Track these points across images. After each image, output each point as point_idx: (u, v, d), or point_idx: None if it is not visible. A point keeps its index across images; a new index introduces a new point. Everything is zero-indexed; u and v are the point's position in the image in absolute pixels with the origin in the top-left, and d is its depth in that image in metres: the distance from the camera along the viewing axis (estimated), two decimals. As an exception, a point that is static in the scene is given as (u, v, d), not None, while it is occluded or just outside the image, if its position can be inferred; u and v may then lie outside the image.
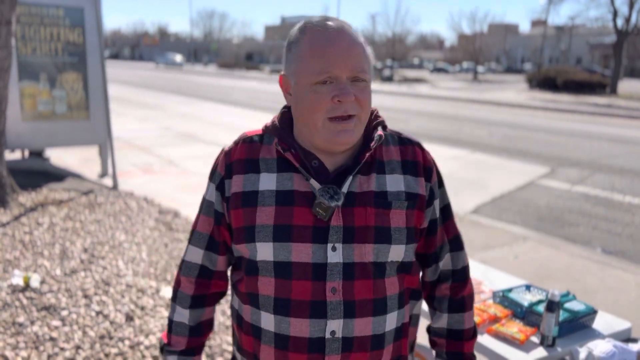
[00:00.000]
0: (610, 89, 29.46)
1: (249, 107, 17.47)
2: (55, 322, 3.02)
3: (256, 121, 13.67)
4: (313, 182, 1.09)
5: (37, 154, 7.32)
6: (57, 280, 3.53)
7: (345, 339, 1.09)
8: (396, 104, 21.01)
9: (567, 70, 33.08)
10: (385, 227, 1.11)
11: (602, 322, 2.03)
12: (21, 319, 3.02)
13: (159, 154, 8.75)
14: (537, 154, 10.27)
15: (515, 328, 1.89)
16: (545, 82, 31.47)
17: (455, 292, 1.28)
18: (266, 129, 1.19)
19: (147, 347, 2.88)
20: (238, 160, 1.16)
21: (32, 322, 3.00)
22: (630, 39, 32.35)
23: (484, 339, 1.87)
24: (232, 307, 1.26)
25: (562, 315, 1.94)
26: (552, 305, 1.80)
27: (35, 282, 3.41)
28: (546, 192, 7.33)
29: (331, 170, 1.12)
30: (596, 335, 1.93)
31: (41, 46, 6.06)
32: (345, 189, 1.09)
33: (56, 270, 3.67)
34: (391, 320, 1.15)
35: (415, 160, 1.18)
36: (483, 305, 2.06)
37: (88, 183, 6.30)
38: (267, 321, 1.12)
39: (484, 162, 9.13)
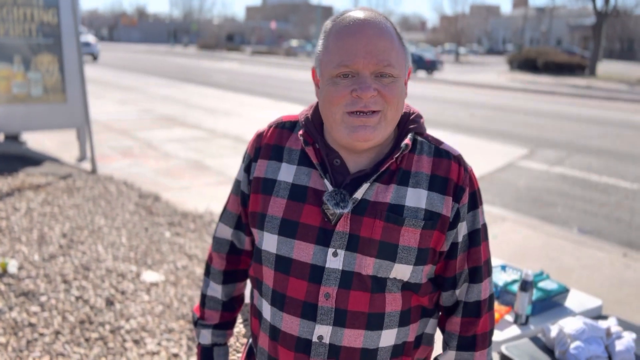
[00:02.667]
0: (589, 71, 29.81)
1: (230, 89, 17.30)
2: (34, 308, 3.00)
3: (237, 104, 13.57)
4: (326, 182, 1.06)
5: (13, 138, 7.18)
6: (35, 265, 3.50)
7: (332, 346, 1.07)
8: (378, 86, 20.96)
9: (548, 51, 33.35)
10: (392, 244, 1.04)
11: (574, 300, 2.09)
12: (-1, 305, 3.00)
13: (138, 137, 8.65)
14: (517, 135, 10.39)
15: (490, 307, 1.93)
16: (526, 63, 31.71)
17: (466, 329, 1.14)
18: (300, 116, 1.16)
19: (127, 331, 2.88)
20: (267, 144, 1.16)
21: (11, 308, 2.98)
22: (609, 20, 32.64)
23: (459, 319, 1.90)
24: (251, 288, 1.28)
25: (536, 294, 1.98)
26: (526, 285, 1.84)
27: (12, 267, 3.37)
28: (525, 173, 7.44)
29: (352, 172, 1.07)
30: (568, 313, 1.99)
31: (14, 27, 5.90)
32: (359, 195, 1.04)
33: (34, 256, 3.64)
34: (388, 337, 1.08)
35: (447, 177, 1.08)
36: (459, 285, 2.10)
37: (66, 167, 6.22)
38: (266, 310, 1.13)
39: (465, 144, 9.20)
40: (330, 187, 1.05)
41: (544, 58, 30.87)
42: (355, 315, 1.05)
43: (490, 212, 5.58)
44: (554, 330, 1.74)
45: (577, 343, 1.66)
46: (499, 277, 2.12)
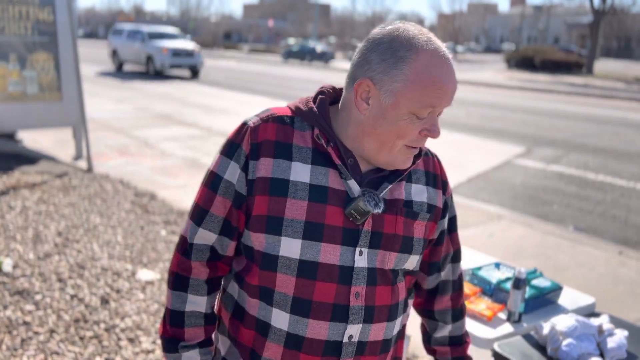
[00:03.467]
0: (587, 69, 29.84)
1: (227, 87, 17.28)
2: (29, 307, 3.00)
3: (235, 102, 13.55)
4: (352, 183, 1.05)
5: (9, 136, 7.16)
6: (30, 264, 3.49)
7: (360, 343, 1.09)
8: (376, 84, 20.95)
9: (545, 49, 33.41)
10: (410, 237, 1.11)
11: (567, 298, 2.09)
12: (-6, 303, 2.99)
13: (135, 136, 8.64)
14: (514, 133, 10.40)
15: (483, 305, 1.94)
16: (523, 61, 31.74)
17: (456, 302, 1.31)
18: (299, 112, 1.09)
19: (122, 330, 2.88)
20: (267, 140, 1.06)
21: (5, 307, 2.97)
22: (606, 18, 32.67)
23: (452, 316, 1.91)
24: (226, 295, 1.18)
25: (529, 292, 1.99)
26: (519, 283, 1.85)
27: (7, 266, 3.37)
28: (522, 171, 7.45)
29: (363, 170, 1.09)
30: (561, 310, 1.99)
31: (10, 25, 5.88)
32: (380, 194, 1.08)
33: (29, 254, 3.63)
34: (398, 324, 1.16)
35: (436, 173, 1.19)
36: (453, 283, 2.10)
37: (62, 165, 6.20)
38: (280, 319, 1.07)
39: (462, 142, 9.21)
40: (356, 187, 1.05)
41: (541, 56, 30.89)
42: (381, 310, 1.10)
43: (486, 210, 5.59)
44: (546, 328, 1.74)
45: (569, 340, 1.67)
46: (493, 275, 2.13)
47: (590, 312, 2.04)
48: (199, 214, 1.12)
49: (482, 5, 76.12)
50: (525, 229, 5.09)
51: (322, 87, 1.15)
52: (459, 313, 1.32)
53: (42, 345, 2.68)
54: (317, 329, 1.05)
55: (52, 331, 2.80)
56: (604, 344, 1.69)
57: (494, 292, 2.02)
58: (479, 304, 1.94)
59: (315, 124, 1.07)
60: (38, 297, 3.10)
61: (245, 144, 1.07)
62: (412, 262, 1.14)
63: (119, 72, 20.42)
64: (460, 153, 8.33)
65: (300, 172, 1.05)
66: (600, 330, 1.73)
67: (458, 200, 5.87)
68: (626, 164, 8.09)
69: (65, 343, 2.72)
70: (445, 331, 1.32)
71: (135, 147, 7.80)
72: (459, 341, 1.33)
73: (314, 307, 1.05)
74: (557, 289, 2.05)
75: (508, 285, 2.01)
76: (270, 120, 1.08)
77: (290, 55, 37.96)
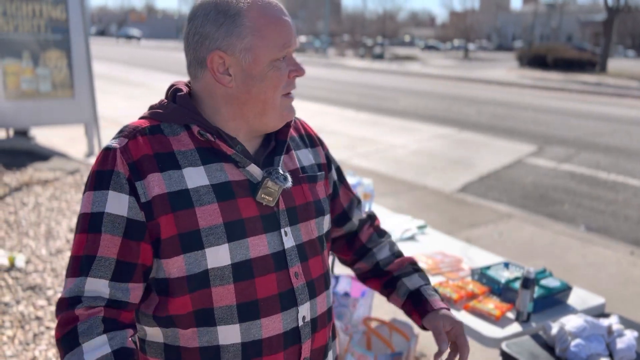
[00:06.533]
0: (600, 67, 29.54)
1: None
2: (41, 302, 3.04)
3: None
4: (253, 167, 1.02)
5: (22, 133, 7.24)
6: (42, 260, 3.54)
7: (312, 321, 1.09)
8: (386, 82, 20.94)
9: (558, 48, 33.13)
10: (318, 200, 1.14)
11: (577, 298, 2.08)
12: (6, 298, 3.03)
13: (146, 133, 8.69)
14: (525, 132, 10.32)
15: (491, 304, 1.93)
16: (536, 60, 31.48)
17: (375, 227, 1.36)
18: (162, 117, 1.03)
19: (132, 326, 2.91)
20: (146, 155, 0.97)
21: (18, 302, 3.01)
22: (620, 16, 32.31)
23: (460, 316, 1.91)
24: (148, 344, 1.05)
25: (538, 292, 1.98)
26: (527, 282, 1.84)
27: (20, 262, 3.41)
28: (533, 170, 7.40)
29: (252, 154, 1.06)
30: (570, 310, 1.98)
31: (23, 23, 5.94)
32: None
33: (41, 250, 3.68)
34: (330, 288, 1.18)
35: (308, 133, 1.22)
36: (461, 282, 2.10)
37: (74, 162, 6.26)
38: (230, 335, 1.00)
39: (472, 141, 9.16)
40: (257, 171, 1.03)
41: (553, 54, 30.64)
42: (319, 281, 1.11)
43: (496, 209, 5.56)
44: (555, 328, 1.74)
45: (577, 340, 1.66)
46: (501, 274, 2.12)
47: (599, 312, 2.03)
48: (84, 264, 0.95)
49: (494, 2, 75.56)
50: (536, 228, 5.05)
51: (175, 85, 1.11)
52: (382, 231, 1.36)
53: (53, 340, 2.72)
54: (272, 325, 1.02)
55: (63, 326, 2.84)
56: (613, 345, 1.69)
57: (503, 291, 2.02)
58: (488, 303, 1.94)
59: (191, 122, 1.01)
60: (50, 292, 3.14)
61: (121, 167, 0.96)
62: (327, 222, 1.18)
63: None
64: (471, 151, 8.30)
65: (196, 177, 0.98)
66: (609, 330, 1.73)
67: (468, 199, 5.85)
68: (639, 163, 8.01)
69: (77, 338, 2.76)
70: (385, 249, 1.32)
71: (146, 145, 7.84)
72: (401, 253, 1.34)
73: (262, 304, 1.01)
74: (566, 289, 2.04)
75: (517, 284, 2.00)
76: (138, 134, 1.00)
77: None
